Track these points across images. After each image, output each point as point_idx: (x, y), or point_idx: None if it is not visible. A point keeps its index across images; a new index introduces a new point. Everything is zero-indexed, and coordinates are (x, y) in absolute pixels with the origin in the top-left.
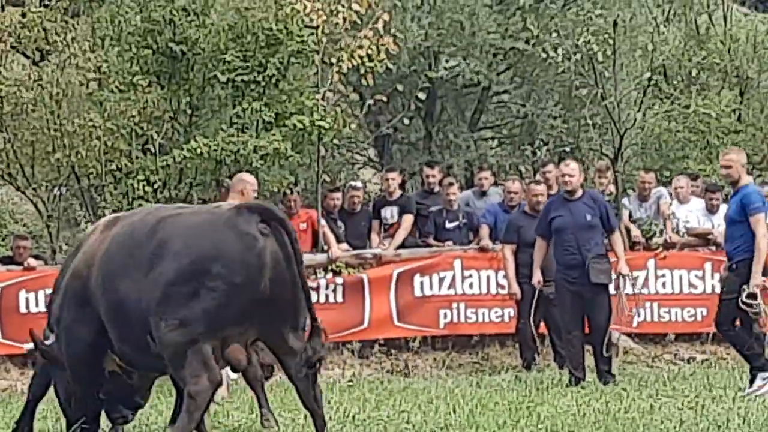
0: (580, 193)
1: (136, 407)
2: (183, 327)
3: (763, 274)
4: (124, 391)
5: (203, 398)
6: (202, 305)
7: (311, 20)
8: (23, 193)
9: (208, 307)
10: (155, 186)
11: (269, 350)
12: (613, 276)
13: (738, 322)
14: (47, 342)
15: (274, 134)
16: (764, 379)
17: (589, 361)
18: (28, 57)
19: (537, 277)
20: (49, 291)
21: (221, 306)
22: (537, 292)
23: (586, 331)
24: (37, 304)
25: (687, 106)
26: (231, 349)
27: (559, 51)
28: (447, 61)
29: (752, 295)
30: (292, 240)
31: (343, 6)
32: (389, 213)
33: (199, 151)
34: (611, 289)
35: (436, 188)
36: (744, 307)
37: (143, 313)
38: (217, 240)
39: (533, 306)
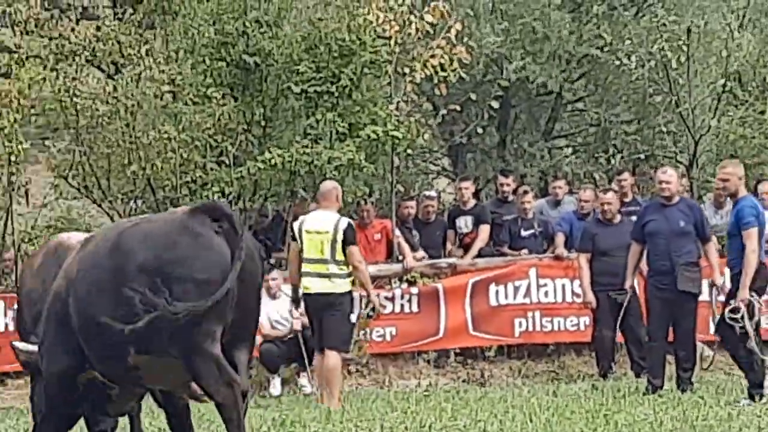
0: (676, 199)
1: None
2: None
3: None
4: (100, 401)
5: (231, 402)
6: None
7: (384, 31)
8: (99, 205)
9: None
10: (230, 198)
11: None
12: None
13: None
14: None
15: (347, 145)
16: None
17: (668, 368)
18: (103, 70)
19: (629, 281)
20: None
21: (201, 305)
22: (627, 299)
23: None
24: None
25: (762, 112)
26: None
27: (633, 58)
28: (519, 61)
29: (736, 309)
30: (239, 236)
31: (415, 16)
32: (464, 222)
33: (273, 162)
34: (702, 298)
35: (511, 197)
36: (729, 321)
37: (120, 329)
38: (174, 244)
39: (621, 314)
